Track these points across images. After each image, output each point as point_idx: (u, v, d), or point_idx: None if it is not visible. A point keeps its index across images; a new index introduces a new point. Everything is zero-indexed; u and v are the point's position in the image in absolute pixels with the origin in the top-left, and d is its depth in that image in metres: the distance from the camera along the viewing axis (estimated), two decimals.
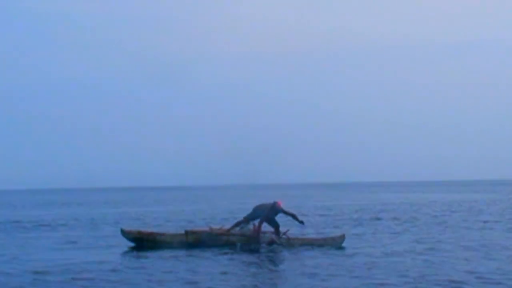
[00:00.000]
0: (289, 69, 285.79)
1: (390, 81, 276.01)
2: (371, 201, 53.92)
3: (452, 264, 14.40)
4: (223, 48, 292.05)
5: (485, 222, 26.70)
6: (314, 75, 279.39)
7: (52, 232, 25.21)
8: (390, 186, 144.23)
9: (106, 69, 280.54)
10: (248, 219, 18.73)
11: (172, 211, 41.59)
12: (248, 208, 19.37)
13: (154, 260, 15.96)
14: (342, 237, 18.71)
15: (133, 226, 23.79)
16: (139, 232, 19.52)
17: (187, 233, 19.03)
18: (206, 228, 19.42)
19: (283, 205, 18.74)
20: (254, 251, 17.55)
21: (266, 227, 18.70)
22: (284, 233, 18.53)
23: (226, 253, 17.01)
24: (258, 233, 18.43)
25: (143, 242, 18.93)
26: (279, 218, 18.77)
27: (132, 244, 19.08)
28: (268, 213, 18.42)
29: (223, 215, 33.11)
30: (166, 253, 17.30)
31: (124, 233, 19.53)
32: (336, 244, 18.32)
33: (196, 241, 18.64)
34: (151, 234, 19.34)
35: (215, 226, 19.75)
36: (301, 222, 18.47)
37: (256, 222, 18.56)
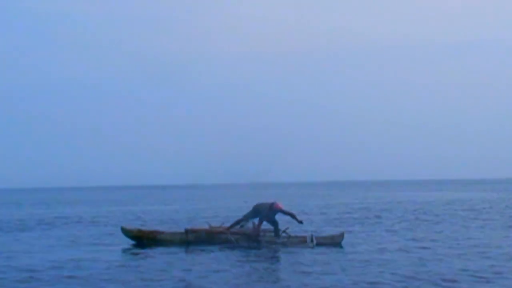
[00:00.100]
0: (289, 69, 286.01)
1: (390, 81, 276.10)
2: (371, 199, 53.94)
3: (446, 262, 14.49)
4: (223, 48, 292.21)
5: (484, 220, 26.77)
6: (314, 75, 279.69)
7: (53, 230, 25.32)
8: (391, 184, 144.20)
9: (106, 69, 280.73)
10: (247, 217, 18.82)
11: (173, 209, 41.66)
12: (248, 207, 19.45)
13: (151, 259, 16.04)
14: (341, 236, 18.80)
15: (134, 225, 23.89)
16: (139, 231, 19.63)
17: (187, 231, 19.13)
18: (206, 227, 19.52)
19: (282, 205, 18.79)
20: (252, 249, 17.63)
21: (265, 225, 18.78)
22: (284, 231, 18.62)
23: (225, 251, 17.13)
24: (257, 232, 18.52)
25: (143, 241, 19.04)
26: (279, 217, 18.84)
27: (132, 243, 19.18)
28: (267, 213, 18.51)
29: (224, 213, 33.18)
30: (165, 251, 17.41)
31: (125, 231, 19.64)
32: (335, 242, 18.42)
33: (196, 240, 18.74)
34: (151, 232, 19.44)
35: (215, 225, 19.84)
36: (300, 222, 18.54)
37: (256, 220, 18.65)
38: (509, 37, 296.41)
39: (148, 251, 17.53)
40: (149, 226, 24.09)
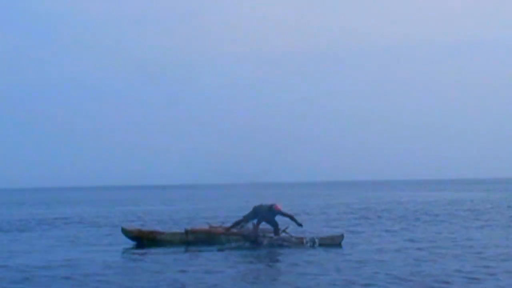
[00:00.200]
0: (289, 69, 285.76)
1: (390, 81, 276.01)
2: (372, 199, 53.94)
3: (441, 263, 14.50)
4: (223, 48, 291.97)
5: (484, 221, 26.78)
6: (315, 75, 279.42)
7: (53, 230, 25.36)
8: (391, 184, 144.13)
9: (106, 69, 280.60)
10: (247, 218, 18.80)
11: (173, 210, 41.69)
12: (249, 207, 19.43)
13: (149, 260, 16.04)
14: (341, 236, 18.82)
15: (135, 225, 23.92)
16: (140, 231, 19.64)
17: (187, 232, 19.15)
18: (206, 227, 19.52)
19: (281, 206, 18.76)
20: (251, 249, 17.63)
21: (265, 225, 18.77)
22: (284, 230, 18.62)
23: (223, 252, 17.15)
24: (256, 233, 18.51)
25: (143, 241, 19.05)
26: (278, 218, 18.82)
27: (132, 243, 19.19)
28: (267, 214, 18.50)
29: (224, 214, 33.18)
30: (164, 252, 17.42)
31: (125, 232, 19.65)
32: (335, 243, 18.43)
33: (195, 240, 18.75)
34: (151, 233, 19.46)
35: (215, 225, 19.84)
36: (300, 225, 18.51)
37: (256, 221, 18.64)
38: (509, 37, 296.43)
39: (147, 252, 17.54)
40: (150, 226, 24.09)
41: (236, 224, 18.92)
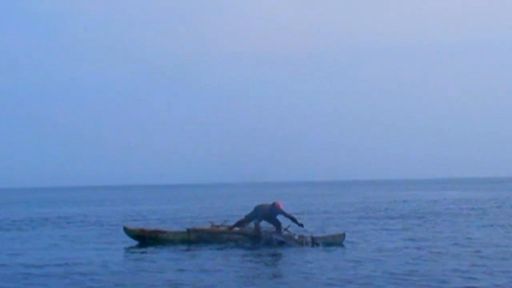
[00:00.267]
0: (290, 69, 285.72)
1: (390, 81, 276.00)
2: (375, 199, 53.99)
3: (439, 262, 14.54)
4: (224, 49, 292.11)
5: (486, 219, 26.83)
6: (315, 75, 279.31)
7: (56, 229, 25.45)
8: (395, 184, 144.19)
9: (106, 69, 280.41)
10: (249, 218, 18.83)
11: (176, 209, 41.75)
12: (251, 206, 19.45)
13: (148, 259, 16.09)
14: (343, 235, 18.86)
15: (138, 224, 23.99)
16: (142, 230, 19.67)
17: (189, 231, 19.19)
18: (208, 226, 19.56)
19: (283, 206, 18.77)
20: (252, 248, 17.66)
21: (267, 225, 18.78)
22: (285, 229, 18.63)
23: (224, 251, 17.18)
24: (257, 231, 18.53)
25: (146, 240, 19.08)
26: (279, 217, 18.81)
27: (135, 242, 19.22)
28: (268, 213, 18.51)
29: (226, 212, 33.19)
30: (165, 251, 17.46)
31: (127, 231, 19.68)
32: (336, 242, 18.47)
33: (197, 239, 18.79)
34: (153, 232, 19.49)
35: (217, 224, 19.87)
36: (300, 225, 18.52)
37: (257, 220, 18.65)
38: (509, 37, 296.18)
39: (147, 251, 17.59)
40: (153, 225, 24.16)
41: (238, 223, 18.96)
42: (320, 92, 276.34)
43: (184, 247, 18.13)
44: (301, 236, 18.57)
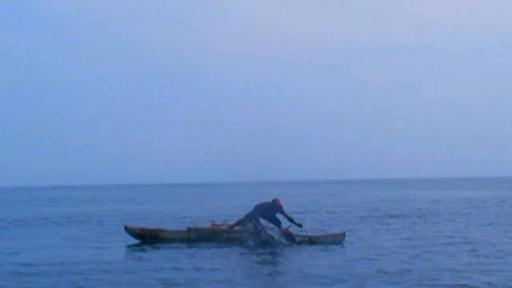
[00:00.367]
0: (291, 69, 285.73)
1: (391, 81, 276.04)
2: (376, 198, 54.05)
3: (434, 260, 14.62)
4: (225, 49, 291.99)
5: (487, 219, 26.91)
6: (316, 75, 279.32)
7: (57, 228, 25.59)
8: (398, 183, 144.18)
9: (107, 69, 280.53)
10: (249, 217, 18.88)
11: (177, 208, 41.88)
12: (251, 206, 19.48)
13: (146, 258, 16.16)
14: (343, 234, 18.96)
15: (140, 223, 24.10)
16: (142, 229, 19.78)
17: (189, 229, 19.30)
18: (208, 225, 19.66)
19: (284, 203, 18.85)
20: (252, 247, 17.70)
21: (267, 224, 18.87)
22: (286, 229, 18.67)
23: (223, 250, 17.25)
24: (257, 229, 18.58)
25: (146, 239, 19.19)
26: (279, 217, 18.86)
27: (135, 241, 19.32)
28: (268, 210, 18.58)
29: (228, 212, 33.28)
30: (165, 250, 17.52)
31: (128, 229, 19.79)
32: (337, 241, 18.56)
33: (198, 238, 18.88)
34: (153, 231, 19.60)
35: (218, 223, 19.96)
36: (299, 226, 18.57)
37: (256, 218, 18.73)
38: (509, 37, 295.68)
39: (147, 250, 17.67)
40: (154, 224, 24.28)
41: (238, 223, 19.03)
42: (321, 91, 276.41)
43: (184, 246, 18.20)
44: (300, 235, 18.65)
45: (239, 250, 17.30)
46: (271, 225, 18.81)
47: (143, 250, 17.67)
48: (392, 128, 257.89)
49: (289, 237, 18.45)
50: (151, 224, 24.37)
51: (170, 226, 23.07)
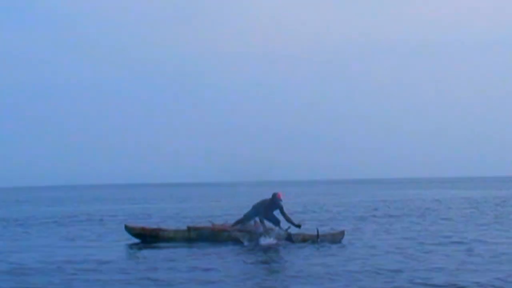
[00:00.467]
0: (292, 69, 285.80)
1: (391, 81, 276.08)
2: (378, 197, 54.09)
3: (428, 260, 14.67)
4: (226, 48, 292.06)
5: (487, 218, 26.96)
6: (317, 75, 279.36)
7: (58, 228, 25.64)
8: (398, 183, 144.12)
9: (108, 69, 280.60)
10: (248, 216, 18.90)
11: (179, 208, 41.94)
12: (251, 206, 19.49)
13: (144, 257, 16.17)
14: (342, 233, 19.02)
15: (141, 222, 24.15)
16: (142, 228, 19.84)
17: (189, 229, 19.35)
18: (208, 225, 19.70)
19: (283, 197, 18.75)
20: (249, 247, 17.74)
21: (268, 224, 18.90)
22: (285, 231, 18.70)
23: (223, 250, 17.25)
24: (258, 229, 18.60)
25: (146, 238, 19.25)
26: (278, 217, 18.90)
27: (136, 240, 19.37)
28: (267, 208, 18.57)
29: (228, 212, 33.32)
30: (163, 249, 17.56)
31: (128, 229, 19.84)
32: (335, 240, 18.62)
33: (198, 237, 18.92)
34: (153, 230, 19.66)
35: (218, 223, 20.01)
36: (298, 226, 18.59)
37: (258, 219, 18.74)
38: (510, 37, 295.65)
39: (146, 249, 17.71)
40: (155, 223, 24.34)
41: (237, 222, 19.05)
42: (321, 91, 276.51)
43: (184, 245, 18.24)
44: (301, 234, 18.67)
45: (238, 249, 17.34)
46: (271, 225, 18.81)
47: (142, 250, 17.73)
48: (392, 128, 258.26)
49: (288, 237, 18.46)
50: (151, 224, 24.42)
51: (170, 225, 23.10)
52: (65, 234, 22.54)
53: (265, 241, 18.21)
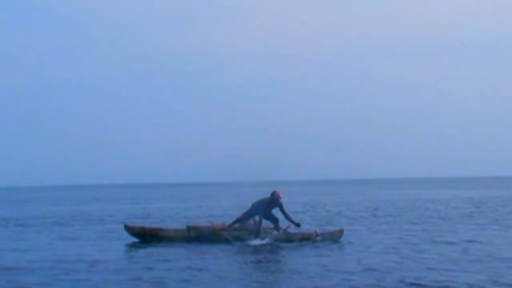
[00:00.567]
0: (292, 69, 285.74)
1: (391, 81, 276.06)
2: (379, 197, 54.12)
3: (421, 261, 14.68)
4: (227, 48, 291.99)
5: (487, 218, 26.98)
6: (317, 75, 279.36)
7: (58, 227, 25.65)
8: (398, 182, 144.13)
9: (109, 69, 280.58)
10: (247, 215, 18.91)
11: (180, 207, 41.97)
12: (249, 205, 19.51)
13: (142, 256, 16.22)
14: (341, 232, 19.06)
15: (142, 222, 24.17)
16: (142, 228, 19.87)
17: (188, 228, 19.38)
18: (207, 224, 19.73)
19: (282, 196, 18.81)
20: (248, 247, 17.77)
21: (265, 223, 18.93)
22: (285, 230, 18.74)
23: (222, 249, 17.24)
24: (258, 228, 18.64)
25: (146, 238, 19.28)
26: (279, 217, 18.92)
27: (135, 240, 19.39)
28: (266, 207, 18.58)
29: (229, 212, 33.34)
30: (162, 249, 17.56)
31: (127, 228, 19.87)
32: (334, 238, 18.66)
33: (197, 236, 18.94)
34: (153, 229, 19.69)
35: (217, 223, 20.03)
36: (297, 225, 18.60)
37: (257, 218, 18.76)
38: (510, 37, 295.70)
39: (145, 249, 17.73)
40: (156, 223, 24.36)
41: (236, 221, 19.07)
42: (321, 91, 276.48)
43: (183, 244, 18.26)
44: (299, 233, 18.67)
45: (235, 249, 17.35)
46: (271, 225, 18.82)
47: (140, 249, 17.76)
48: (392, 128, 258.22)
49: (287, 236, 18.47)
50: (151, 223, 24.44)
51: (170, 225, 23.12)
52: (64, 234, 22.57)
53: (260, 241, 18.20)
